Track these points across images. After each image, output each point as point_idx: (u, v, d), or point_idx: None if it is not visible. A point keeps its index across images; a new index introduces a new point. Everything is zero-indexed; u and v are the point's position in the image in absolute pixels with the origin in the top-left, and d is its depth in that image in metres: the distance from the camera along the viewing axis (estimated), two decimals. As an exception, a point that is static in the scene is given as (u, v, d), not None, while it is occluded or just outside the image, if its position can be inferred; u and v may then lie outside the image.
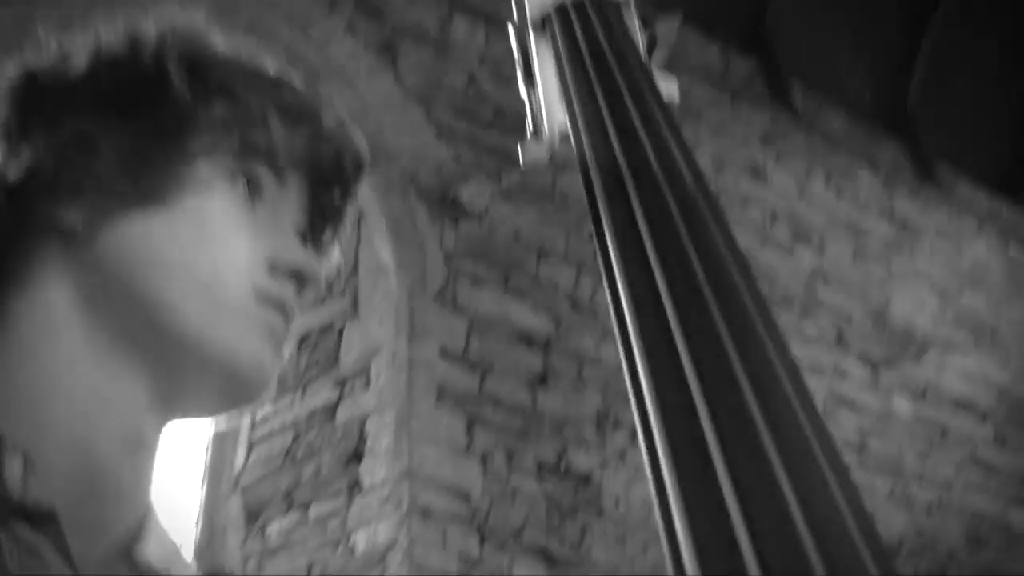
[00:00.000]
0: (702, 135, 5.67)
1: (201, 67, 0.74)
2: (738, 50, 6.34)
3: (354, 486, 3.75)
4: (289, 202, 0.78)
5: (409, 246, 4.14)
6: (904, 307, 6.35)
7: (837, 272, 6.05)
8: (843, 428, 5.75)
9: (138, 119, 0.72)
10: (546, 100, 0.83)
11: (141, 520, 0.70)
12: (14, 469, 0.61)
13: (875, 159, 6.97)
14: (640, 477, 4.40)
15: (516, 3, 0.87)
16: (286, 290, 0.75)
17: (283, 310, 0.75)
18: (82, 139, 0.70)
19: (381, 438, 3.80)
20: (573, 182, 5.02)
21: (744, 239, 5.92)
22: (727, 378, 0.46)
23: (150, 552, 0.69)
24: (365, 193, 4.27)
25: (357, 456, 3.83)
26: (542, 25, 0.83)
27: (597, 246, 0.64)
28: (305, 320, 4.35)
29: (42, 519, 0.61)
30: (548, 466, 4.16)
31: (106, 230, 0.70)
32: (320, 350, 4.22)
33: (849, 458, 5.71)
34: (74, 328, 0.69)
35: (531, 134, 0.87)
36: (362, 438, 3.84)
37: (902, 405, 6.14)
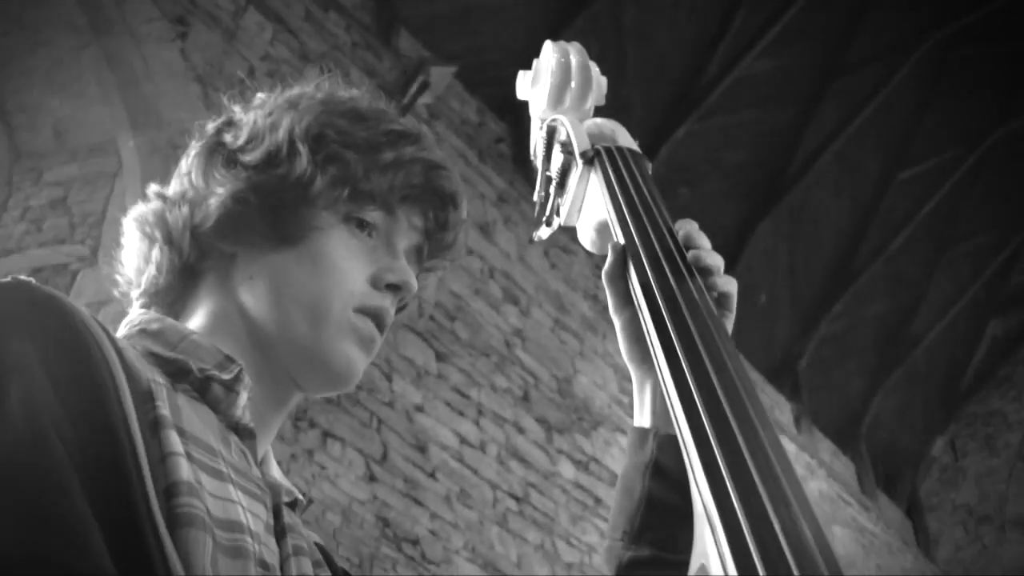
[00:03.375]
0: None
1: (319, 140, 1.01)
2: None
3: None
4: (400, 230, 1.04)
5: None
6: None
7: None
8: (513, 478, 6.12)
9: (276, 181, 1.00)
10: (570, 205, 1.15)
11: (268, 455, 0.99)
12: (243, 398, 0.91)
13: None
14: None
15: (561, 139, 1.18)
16: (384, 300, 1.01)
17: (378, 316, 1.01)
18: (239, 196, 0.99)
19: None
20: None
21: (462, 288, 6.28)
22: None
23: (276, 474, 0.97)
24: (128, 150, 4.36)
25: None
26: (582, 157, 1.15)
27: (652, 324, 0.92)
28: (42, 254, 4.39)
29: (248, 435, 0.92)
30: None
31: (251, 259, 0.99)
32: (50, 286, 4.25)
33: (512, 506, 6.10)
34: (238, 319, 0.98)
35: (545, 223, 1.21)
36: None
37: (567, 469, 6.57)
